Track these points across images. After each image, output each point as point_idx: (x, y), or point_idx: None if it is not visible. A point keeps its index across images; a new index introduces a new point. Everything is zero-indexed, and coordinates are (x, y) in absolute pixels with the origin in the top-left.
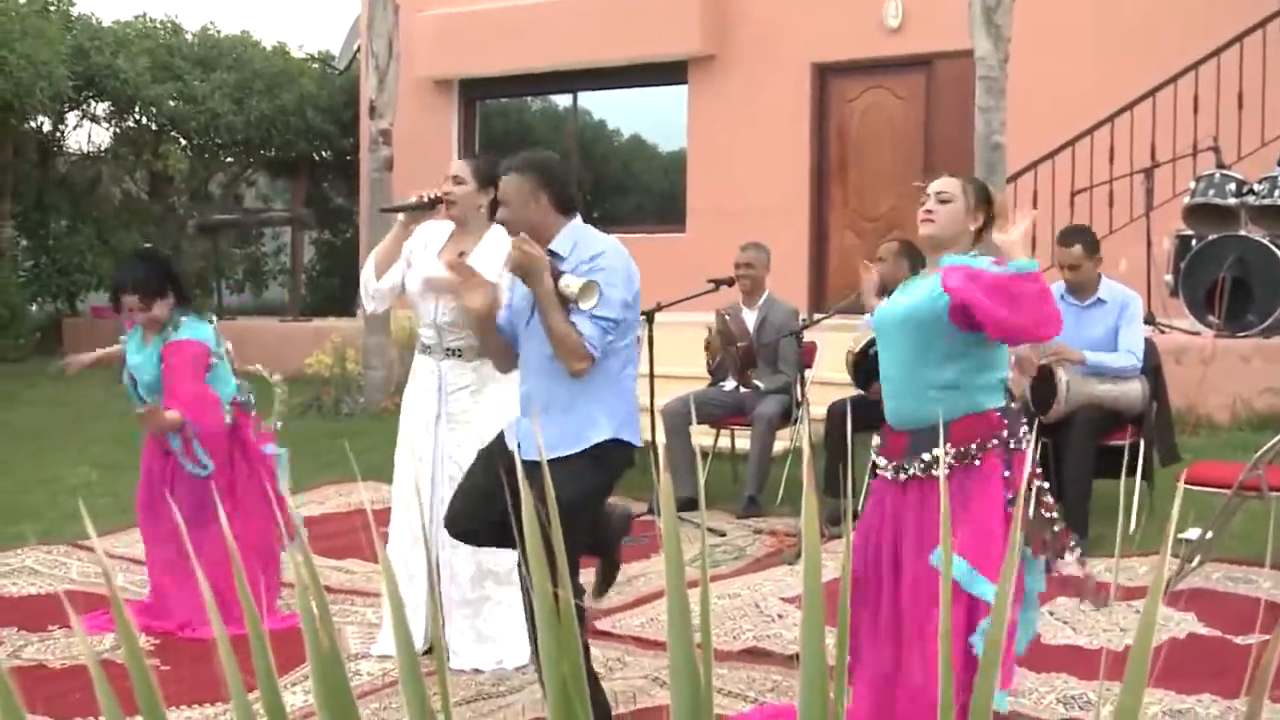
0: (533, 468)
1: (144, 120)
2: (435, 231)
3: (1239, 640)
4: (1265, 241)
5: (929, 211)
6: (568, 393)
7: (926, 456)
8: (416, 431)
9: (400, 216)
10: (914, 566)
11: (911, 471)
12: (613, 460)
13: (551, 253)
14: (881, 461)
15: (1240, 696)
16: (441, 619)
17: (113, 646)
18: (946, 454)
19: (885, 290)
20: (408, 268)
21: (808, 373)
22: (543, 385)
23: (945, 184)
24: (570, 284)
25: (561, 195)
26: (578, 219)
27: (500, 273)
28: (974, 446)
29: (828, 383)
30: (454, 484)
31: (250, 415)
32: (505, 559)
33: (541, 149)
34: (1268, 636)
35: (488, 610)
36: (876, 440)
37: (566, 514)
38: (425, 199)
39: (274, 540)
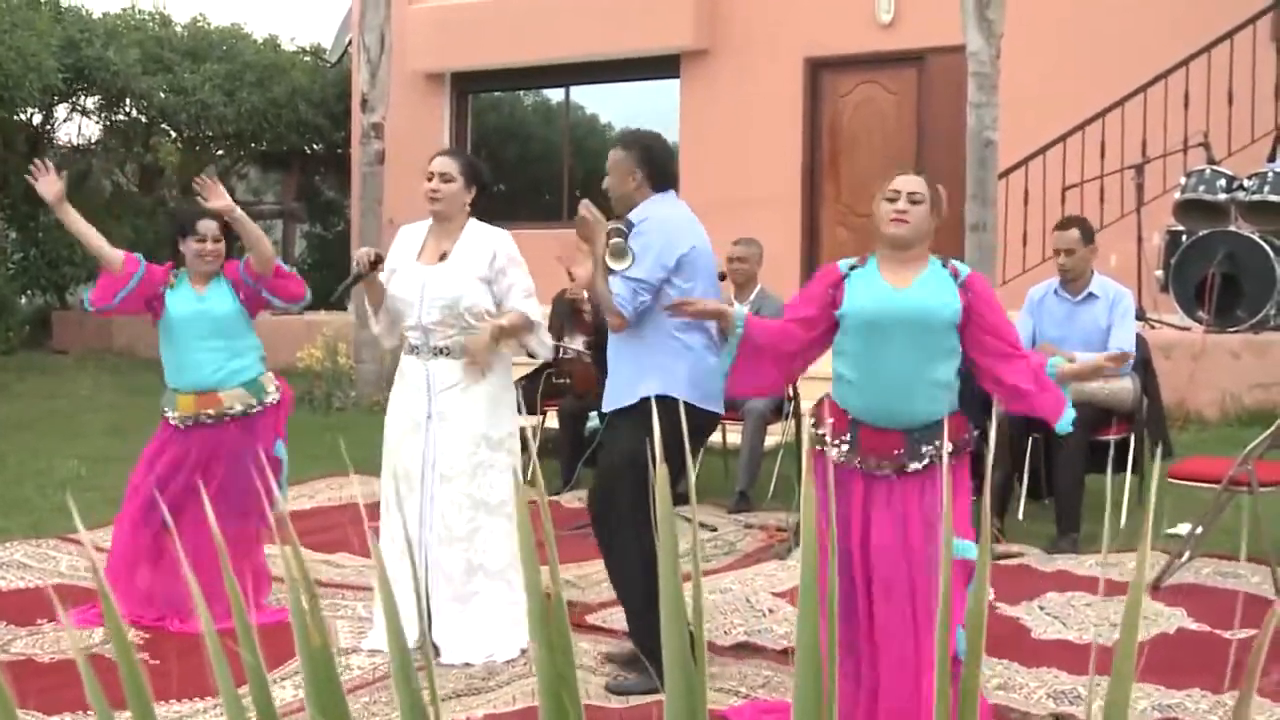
0: (611, 419)
1: (134, 113)
2: (414, 232)
3: (1228, 635)
4: (1255, 237)
5: (902, 212)
6: (625, 350)
7: (928, 450)
8: (406, 431)
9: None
10: (916, 561)
11: (912, 468)
12: (673, 419)
13: (628, 222)
14: (872, 461)
15: (1229, 691)
16: (429, 616)
17: (102, 640)
18: (947, 449)
19: None
20: (393, 272)
21: None
22: (611, 346)
23: (916, 184)
24: (609, 248)
25: (654, 173)
26: (669, 194)
27: (485, 264)
28: (958, 445)
29: (819, 378)
30: (444, 481)
31: (289, 395)
32: (496, 554)
33: (536, 143)
34: (1256, 631)
35: (478, 604)
36: (823, 431)
37: (626, 464)
38: (366, 264)
39: (255, 536)
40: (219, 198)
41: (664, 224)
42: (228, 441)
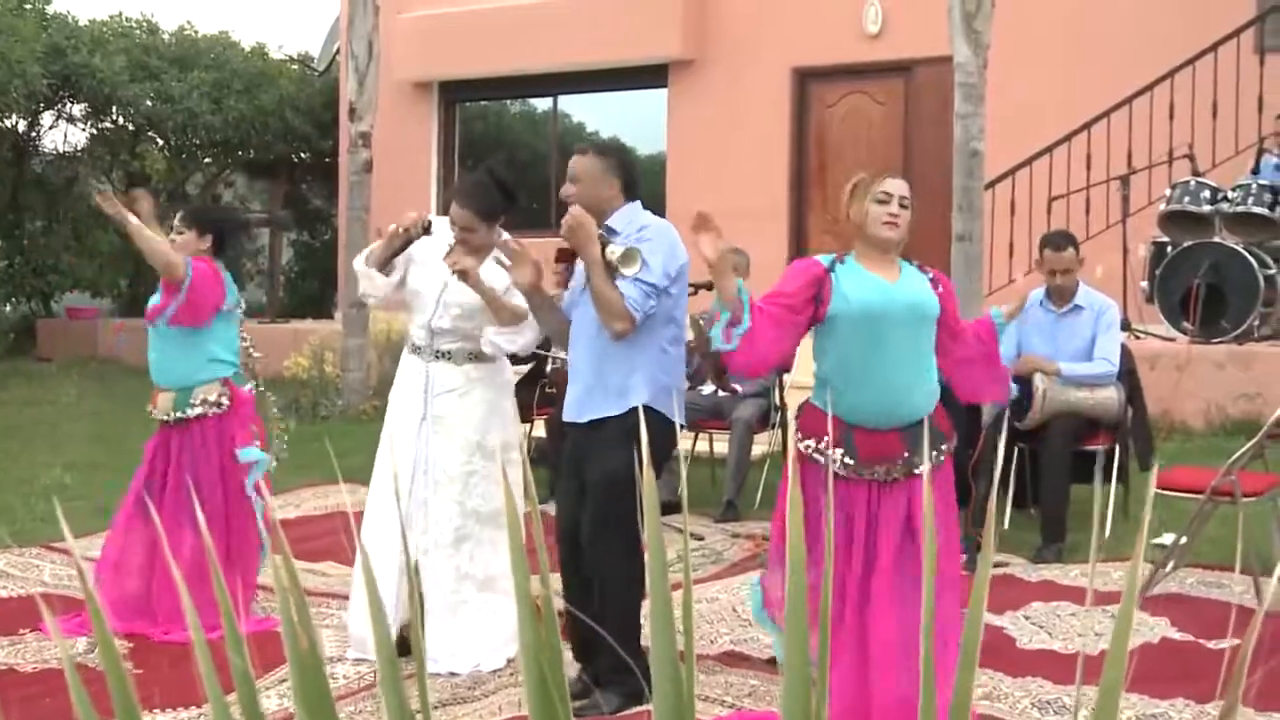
0: (577, 430)
1: (121, 120)
2: (448, 233)
3: (1212, 645)
4: (1239, 248)
5: (895, 216)
6: (612, 359)
7: (930, 451)
8: (400, 433)
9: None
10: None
11: (917, 469)
12: (651, 432)
13: (609, 228)
14: (880, 469)
15: (1213, 701)
16: (421, 622)
17: (85, 650)
18: (941, 448)
19: None
20: (411, 262)
21: (786, 377)
22: (589, 352)
23: (905, 188)
24: (615, 251)
25: (628, 180)
26: (638, 204)
27: (506, 279)
28: (946, 442)
29: (806, 386)
30: (437, 486)
31: (247, 401)
32: (486, 564)
33: (523, 152)
34: (1240, 641)
35: (465, 614)
36: (814, 441)
37: (614, 485)
38: (419, 231)
39: (252, 543)
40: (111, 206)
41: (665, 232)
42: (175, 447)
